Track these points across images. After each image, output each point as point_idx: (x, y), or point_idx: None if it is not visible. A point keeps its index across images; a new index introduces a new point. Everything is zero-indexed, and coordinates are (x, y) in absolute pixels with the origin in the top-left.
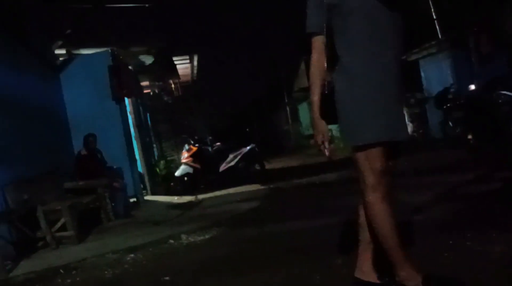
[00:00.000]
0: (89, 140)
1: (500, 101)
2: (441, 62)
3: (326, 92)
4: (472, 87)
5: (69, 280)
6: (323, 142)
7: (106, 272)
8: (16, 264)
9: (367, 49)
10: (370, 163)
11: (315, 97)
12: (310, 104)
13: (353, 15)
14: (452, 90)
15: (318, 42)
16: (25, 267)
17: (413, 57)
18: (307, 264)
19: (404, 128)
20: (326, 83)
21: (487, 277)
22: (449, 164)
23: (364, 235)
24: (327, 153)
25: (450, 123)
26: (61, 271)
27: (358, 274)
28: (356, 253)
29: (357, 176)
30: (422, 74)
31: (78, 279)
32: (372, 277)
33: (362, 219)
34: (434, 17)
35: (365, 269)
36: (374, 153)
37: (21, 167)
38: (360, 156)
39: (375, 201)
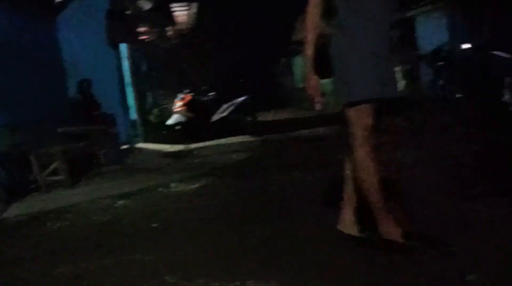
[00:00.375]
0: (84, 85)
1: (492, 61)
2: (436, 21)
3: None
4: (465, 46)
5: (59, 224)
6: (314, 96)
7: (95, 217)
8: (7, 207)
9: (367, 8)
10: (360, 119)
11: (309, 51)
12: (303, 58)
13: None
14: (445, 48)
15: None
16: (16, 210)
17: (410, 14)
18: (292, 216)
19: (393, 86)
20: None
21: (467, 236)
22: (438, 122)
23: (349, 189)
24: (318, 107)
25: (441, 81)
26: (52, 214)
27: (340, 227)
28: (341, 205)
29: (346, 131)
30: (417, 31)
31: (68, 223)
32: (354, 230)
33: (348, 173)
34: None
35: (348, 222)
36: (364, 110)
37: (14, 111)
38: (351, 112)
39: (363, 156)
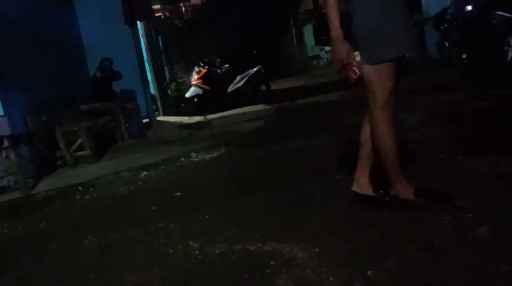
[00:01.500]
0: (105, 64)
1: (495, 21)
2: None
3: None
4: (469, 8)
5: (87, 196)
6: (348, 63)
7: (121, 188)
8: (37, 182)
9: None
10: (382, 82)
11: (334, 19)
12: (314, 26)
13: None
14: (449, 11)
15: None
16: (45, 185)
17: None
18: (308, 180)
19: (414, 44)
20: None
21: (474, 191)
22: (443, 83)
23: (364, 151)
24: (354, 75)
25: (447, 44)
26: (79, 188)
27: (355, 188)
28: (354, 168)
29: (360, 96)
30: None
31: (95, 195)
32: (368, 190)
33: (364, 135)
34: None
35: (362, 183)
36: (386, 71)
37: (39, 91)
38: (374, 75)
39: (383, 118)
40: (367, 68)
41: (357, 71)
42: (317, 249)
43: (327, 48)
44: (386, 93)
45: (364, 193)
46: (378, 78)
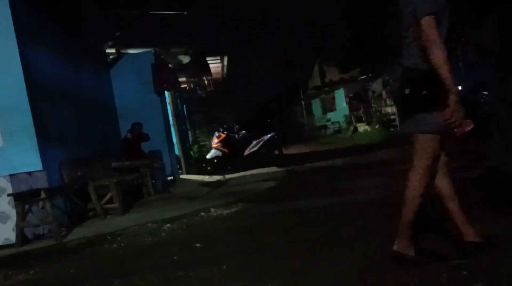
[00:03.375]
0: (135, 127)
1: (482, 100)
2: None
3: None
4: (459, 88)
5: (114, 245)
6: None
7: (146, 239)
8: (70, 231)
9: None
10: (428, 149)
11: (451, 81)
12: (322, 100)
13: None
14: None
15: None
16: (77, 234)
17: None
18: (316, 236)
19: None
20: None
21: (468, 248)
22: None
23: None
24: (468, 127)
25: None
26: (108, 237)
27: (398, 248)
28: (358, 226)
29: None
30: None
31: (122, 244)
32: (410, 251)
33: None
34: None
35: (405, 244)
36: (433, 141)
37: (76, 148)
38: (422, 142)
39: (420, 179)
40: (415, 136)
41: (468, 126)
42: None
43: (333, 119)
44: (429, 159)
45: (406, 253)
46: (425, 145)
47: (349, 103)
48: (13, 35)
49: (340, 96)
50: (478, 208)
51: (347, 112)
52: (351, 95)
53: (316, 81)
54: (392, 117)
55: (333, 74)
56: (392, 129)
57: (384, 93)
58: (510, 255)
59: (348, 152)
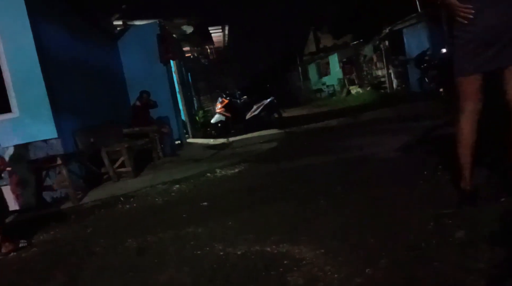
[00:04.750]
0: (143, 95)
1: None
2: (419, 31)
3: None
4: (444, 50)
5: (127, 206)
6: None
7: (156, 199)
8: (85, 194)
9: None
10: (461, 91)
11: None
12: (317, 65)
13: None
14: (428, 53)
15: None
16: (92, 196)
17: (398, 27)
18: (313, 191)
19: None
20: None
21: (452, 199)
22: (424, 112)
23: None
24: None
25: (426, 80)
26: (121, 198)
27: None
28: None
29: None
30: (405, 40)
31: (134, 205)
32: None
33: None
34: None
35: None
36: (465, 84)
37: (88, 117)
38: (458, 85)
39: (460, 119)
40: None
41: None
42: (322, 250)
43: (328, 82)
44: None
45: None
46: (459, 88)
47: (343, 67)
48: (25, 12)
49: (334, 61)
50: None
51: (340, 76)
52: (344, 59)
53: (311, 47)
54: (382, 79)
55: (327, 41)
56: (382, 91)
57: (374, 57)
58: (491, 204)
59: (342, 113)
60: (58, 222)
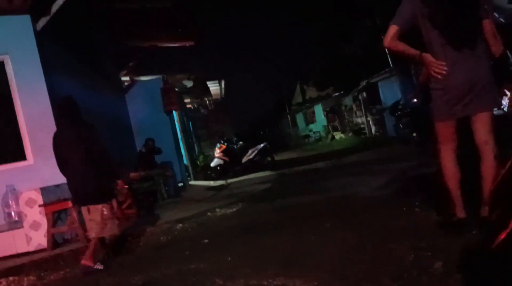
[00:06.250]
0: (149, 143)
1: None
2: (393, 83)
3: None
4: (415, 100)
5: (134, 244)
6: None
7: (161, 237)
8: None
9: None
10: (439, 133)
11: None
12: (304, 114)
13: None
14: (401, 102)
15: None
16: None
17: (374, 80)
18: (304, 227)
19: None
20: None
21: (429, 232)
22: (400, 155)
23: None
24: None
25: (401, 126)
26: (128, 238)
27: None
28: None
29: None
30: (380, 91)
31: (141, 243)
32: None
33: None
34: (387, 52)
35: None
36: (442, 127)
37: None
38: (437, 128)
39: (442, 157)
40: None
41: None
42: (316, 283)
43: (314, 129)
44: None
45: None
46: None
47: (327, 115)
48: (40, 68)
49: (319, 110)
50: (434, 199)
51: (325, 123)
52: (327, 109)
53: (298, 98)
54: (362, 126)
55: (312, 92)
56: (362, 136)
57: (354, 106)
58: (464, 234)
59: (327, 156)
60: (68, 262)
